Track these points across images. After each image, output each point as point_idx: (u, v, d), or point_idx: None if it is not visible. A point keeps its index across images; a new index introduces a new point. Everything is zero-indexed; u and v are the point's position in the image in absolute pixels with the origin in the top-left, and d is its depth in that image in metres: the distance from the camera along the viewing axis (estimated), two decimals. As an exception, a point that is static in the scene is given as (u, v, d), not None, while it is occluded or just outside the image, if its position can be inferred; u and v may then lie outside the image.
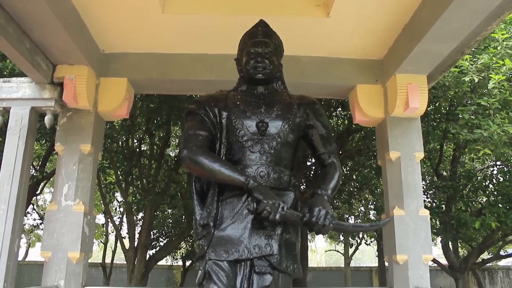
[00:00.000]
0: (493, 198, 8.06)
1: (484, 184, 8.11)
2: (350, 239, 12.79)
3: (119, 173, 7.68)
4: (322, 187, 2.76)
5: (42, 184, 11.03)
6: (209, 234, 2.63)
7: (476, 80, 5.81)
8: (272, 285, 2.55)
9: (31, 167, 7.53)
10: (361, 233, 11.46)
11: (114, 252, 13.39)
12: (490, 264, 19.30)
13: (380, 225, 3.13)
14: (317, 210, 2.52)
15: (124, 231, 10.05)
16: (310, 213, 2.53)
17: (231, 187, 2.65)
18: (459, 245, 11.00)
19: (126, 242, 8.27)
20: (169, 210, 10.93)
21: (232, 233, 2.59)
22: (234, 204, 2.65)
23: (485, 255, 11.63)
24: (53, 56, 4.43)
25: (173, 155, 8.90)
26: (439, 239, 9.77)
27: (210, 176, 2.66)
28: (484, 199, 8.46)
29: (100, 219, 15.42)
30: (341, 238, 16.99)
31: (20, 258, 19.47)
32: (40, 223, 13.89)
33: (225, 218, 2.64)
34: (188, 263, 12.27)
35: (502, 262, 21.04)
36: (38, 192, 11.86)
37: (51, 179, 9.06)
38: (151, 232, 9.45)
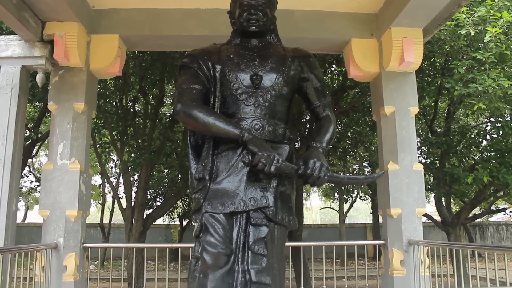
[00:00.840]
0: (486, 154, 8.13)
1: (477, 140, 8.17)
2: (345, 196, 12.97)
3: (114, 133, 7.65)
4: (317, 139, 2.76)
5: (37, 146, 11.01)
6: (204, 187, 2.64)
7: (472, 34, 5.74)
8: (268, 237, 2.58)
9: (25, 128, 7.51)
10: (355, 189, 11.60)
11: (111, 213, 13.53)
12: (481, 220, 19.71)
13: (375, 177, 3.16)
14: (312, 162, 2.53)
15: (121, 191, 10.15)
16: (305, 165, 2.54)
17: (226, 140, 2.65)
18: (452, 201, 11.18)
19: (123, 202, 8.34)
20: (165, 171, 10.99)
21: (227, 186, 2.60)
22: (229, 157, 2.65)
23: (477, 211, 11.84)
24: (41, 12, 4.33)
25: (168, 114, 8.86)
26: (432, 196, 9.91)
27: (205, 130, 2.65)
28: (478, 155, 8.54)
29: (97, 180, 15.51)
30: (336, 195, 17.22)
31: (19, 220, 19.68)
32: (37, 186, 13.95)
33: (221, 171, 2.65)
34: (185, 222, 12.44)
35: (493, 218, 21.49)
36: (34, 154, 11.86)
37: (46, 141, 9.03)
38: (148, 192, 9.53)
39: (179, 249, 5.18)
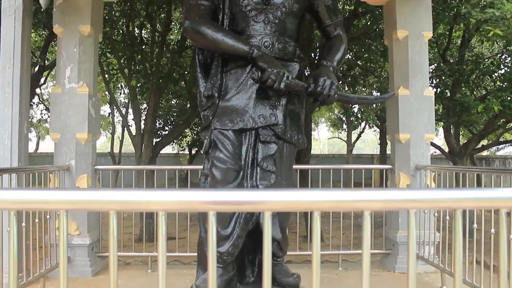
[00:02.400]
0: (499, 83, 7.98)
1: (491, 69, 7.99)
2: (353, 121, 12.90)
3: (121, 61, 7.57)
4: (328, 58, 2.71)
5: (45, 75, 10.98)
6: (213, 104, 2.64)
7: (493, -46, 5.46)
8: (277, 154, 2.61)
9: (32, 56, 7.44)
10: (363, 119, 11.57)
11: (121, 141, 13.71)
12: (488, 153, 19.76)
13: (385, 98, 3.13)
14: (322, 80, 2.50)
15: (130, 120, 10.21)
16: (315, 83, 2.51)
17: (235, 57, 2.61)
18: (461, 132, 11.15)
19: (133, 130, 8.41)
20: (174, 100, 11.00)
21: (237, 103, 2.59)
22: (239, 74, 2.63)
23: (485, 143, 11.83)
24: None
25: (176, 40, 8.71)
26: (441, 127, 9.87)
27: (213, 46, 2.61)
28: (490, 85, 8.38)
29: (106, 110, 15.61)
30: (344, 126, 17.25)
31: (31, 150, 20.08)
32: (48, 117, 14.04)
33: (230, 89, 2.63)
34: (194, 151, 12.60)
35: (500, 152, 21.54)
36: (42, 83, 11.85)
37: (54, 70, 8.99)
38: (157, 121, 9.58)
39: (188, 176, 5.30)
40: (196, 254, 2.91)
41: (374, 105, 10.35)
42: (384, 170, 4.87)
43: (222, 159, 2.51)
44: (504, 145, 18.29)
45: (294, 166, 2.96)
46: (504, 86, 7.63)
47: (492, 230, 3.25)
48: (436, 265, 4.10)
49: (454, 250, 1.16)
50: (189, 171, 6.35)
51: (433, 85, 8.53)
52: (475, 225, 3.54)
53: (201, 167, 2.83)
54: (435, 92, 7.98)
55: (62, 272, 1.08)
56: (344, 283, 4.16)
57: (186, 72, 7.75)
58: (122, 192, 1.03)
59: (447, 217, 4.07)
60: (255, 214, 2.54)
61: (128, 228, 7.05)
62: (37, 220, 3.88)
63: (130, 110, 10.04)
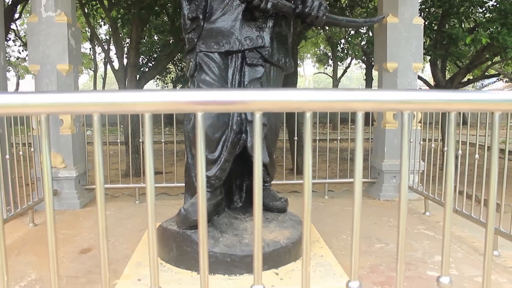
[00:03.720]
0: (488, 15, 7.86)
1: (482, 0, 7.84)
2: (338, 62, 12.82)
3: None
4: (316, -21, 2.60)
5: (20, 9, 10.52)
6: (198, 27, 2.54)
7: None
8: (264, 77, 2.55)
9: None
10: (350, 53, 11.43)
11: (104, 79, 13.45)
12: (473, 88, 19.84)
13: (374, 21, 3.05)
14: (310, 1, 2.40)
15: (112, 56, 9.94)
16: (303, 3, 2.42)
17: (219, -24, 2.48)
18: (447, 66, 11.11)
19: (116, 65, 8.20)
20: (157, 37, 10.69)
21: (222, 25, 2.50)
22: (224, -6, 2.51)
23: (470, 77, 11.83)
24: None
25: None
26: (427, 65, 9.80)
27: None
28: (480, 17, 8.25)
29: (87, 47, 15.16)
30: (330, 62, 17.07)
31: (11, 90, 19.63)
32: (26, 55, 13.59)
33: (215, 10, 2.52)
34: (178, 86, 12.43)
35: (485, 89, 21.67)
36: (17, 18, 11.38)
37: (29, 2, 8.58)
38: (140, 58, 9.34)
39: (174, 114, 5.23)
40: (183, 184, 2.91)
41: (360, 39, 10.21)
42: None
43: (207, 81, 2.45)
44: (489, 81, 18.37)
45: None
46: (493, 17, 7.52)
47: (476, 156, 3.30)
48: (420, 192, 4.18)
49: (447, 155, 1.15)
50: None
51: (421, 17, 8.38)
52: (460, 152, 3.59)
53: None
54: (423, 24, 7.86)
55: (46, 182, 1.04)
56: (330, 210, 4.25)
57: (168, 4, 7.46)
58: (106, 93, 0.98)
59: (432, 145, 4.12)
60: (242, 138, 2.52)
61: (115, 165, 7.05)
62: (21, 152, 3.82)
63: (113, 47, 9.76)
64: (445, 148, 3.86)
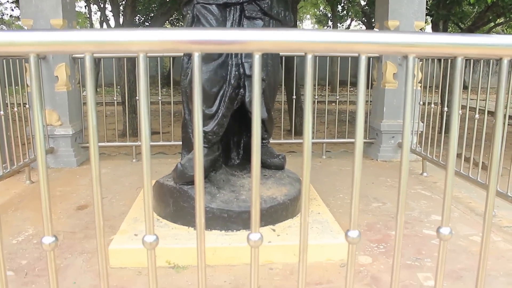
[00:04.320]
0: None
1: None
2: (338, 24, 12.62)
3: None
4: None
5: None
6: (195, -23, 2.45)
7: None
8: (263, 31, 2.48)
9: None
10: (349, 16, 11.22)
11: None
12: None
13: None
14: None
15: (108, 14, 9.71)
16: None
17: None
18: (449, 27, 10.94)
19: (112, 24, 8.03)
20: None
21: (220, -25, 2.41)
22: None
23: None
24: None
25: None
26: (428, 27, 9.63)
27: None
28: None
29: (82, 6, 14.84)
30: (330, 23, 16.78)
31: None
32: (19, 14, 13.30)
33: (212, -42, 2.43)
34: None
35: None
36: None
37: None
38: (136, 16, 9.14)
39: (171, 75, 5.17)
40: (180, 143, 2.88)
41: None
42: (371, 60, 4.77)
43: (205, 34, 2.37)
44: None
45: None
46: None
47: (477, 116, 3.27)
48: (418, 153, 4.17)
49: (452, 103, 1.12)
50: (171, 68, 6.18)
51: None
52: (459, 112, 3.55)
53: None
54: (426, -16, 7.68)
55: (36, 123, 1.00)
56: (327, 169, 4.24)
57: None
58: (99, 32, 0.93)
59: (432, 105, 4.08)
60: (240, 93, 2.48)
61: (112, 125, 7.00)
62: (15, 108, 3.77)
63: (108, 5, 9.53)
64: (445, 109, 3.81)
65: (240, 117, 2.68)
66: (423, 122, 4.36)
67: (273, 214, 2.42)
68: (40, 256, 2.43)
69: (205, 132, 2.42)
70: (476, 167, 3.31)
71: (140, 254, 2.19)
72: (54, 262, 1.08)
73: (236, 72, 2.43)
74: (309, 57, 0.97)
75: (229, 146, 2.88)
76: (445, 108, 4.16)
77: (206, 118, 2.43)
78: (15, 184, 3.77)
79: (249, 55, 2.44)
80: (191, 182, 2.39)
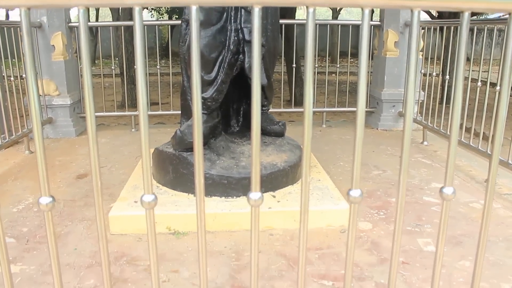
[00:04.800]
0: None
1: None
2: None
3: None
4: None
5: None
6: None
7: None
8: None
9: None
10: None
11: (97, 11, 13.03)
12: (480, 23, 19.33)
13: None
14: None
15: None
16: None
17: None
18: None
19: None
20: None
21: None
22: None
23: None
24: None
25: None
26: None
27: None
28: None
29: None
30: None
31: (1, 18, 19.13)
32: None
33: None
34: (174, 18, 12.08)
35: (490, 24, 21.12)
36: None
37: None
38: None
39: (169, 46, 5.11)
40: (179, 112, 2.85)
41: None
42: (372, 28, 4.70)
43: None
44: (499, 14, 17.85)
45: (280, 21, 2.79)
46: None
47: (479, 83, 3.23)
48: (419, 122, 4.14)
49: (457, 61, 1.08)
50: (170, 39, 6.10)
51: None
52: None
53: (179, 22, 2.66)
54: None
55: (30, 81, 0.97)
56: (327, 138, 4.23)
57: None
58: (90, -16, 0.90)
59: (434, 73, 4.04)
60: (239, 59, 2.43)
61: (110, 96, 6.95)
62: (12, 78, 3.73)
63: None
64: (447, 77, 3.77)
65: (239, 84, 2.64)
66: (424, 91, 4.32)
67: (273, 180, 2.42)
68: (40, 223, 2.43)
69: (204, 99, 2.39)
70: (476, 138, 3.30)
71: (140, 221, 2.20)
72: (52, 222, 1.07)
73: (235, 38, 2.38)
74: (311, 11, 0.93)
75: (229, 114, 2.86)
76: (447, 77, 4.13)
77: (205, 84, 2.39)
78: (14, 154, 3.76)
79: (249, 20, 2.38)
80: (190, 148, 2.37)
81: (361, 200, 1.06)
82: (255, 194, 1.03)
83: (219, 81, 2.41)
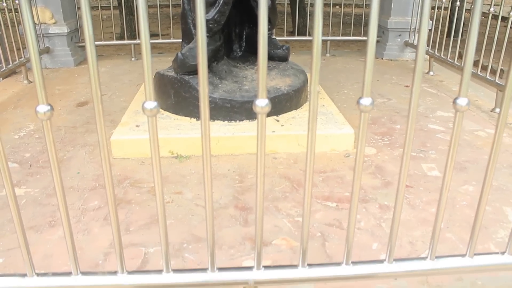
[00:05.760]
0: None
1: None
2: None
3: None
4: None
5: None
6: None
7: None
8: None
9: None
10: None
11: None
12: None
13: None
14: None
15: None
16: None
17: None
18: None
19: None
20: None
21: None
22: None
23: None
24: None
25: None
26: None
27: None
28: None
29: None
30: None
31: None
32: None
33: None
34: None
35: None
36: None
37: None
38: None
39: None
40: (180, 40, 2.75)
41: None
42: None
43: None
44: None
45: None
46: None
47: (492, 9, 3.11)
48: (425, 51, 4.03)
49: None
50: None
51: None
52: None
53: None
54: None
55: (26, 27, 0.90)
56: (332, 67, 4.14)
57: None
58: None
59: (442, 9, 3.89)
60: None
61: (109, 28, 6.77)
62: (4, 4, 3.60)
63: None
64: (457, 3, 3.63)
65: (241, 7, 2.54)
66: (431, 21, 4.18)
67: (277, 104, 2.37)
68: (43, 149, 2.41)
69: (205, 20, 2.29)
70: (484, 71, 3.22)
71: (143, 145, 2.18)
72: (52, 132, 1.04)
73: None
74: None
75: (231, 38, 2.76)
76: (457, 3, 3.97)
77: (207, 5, 2.29)
78: (13, 84, 3.70)
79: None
80: (192, 72, 2.31)
81: (371, 109, 1.02)
82: (261, 100, 0.99)
83: (221, 2, 2.30)
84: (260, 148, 1.05)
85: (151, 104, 1.01)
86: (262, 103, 0.99)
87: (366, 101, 1.03)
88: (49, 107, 1.00)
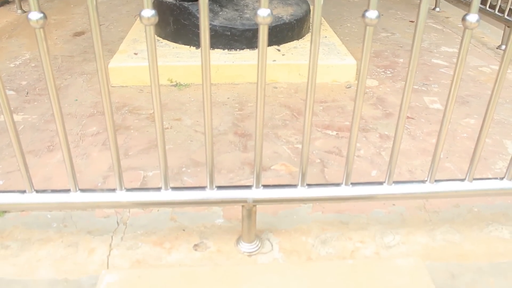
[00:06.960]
0: None
1: None
2: None
3: None
4: None
5: None
6: None
7: None
8: None
9: None
10: None
11: None
12: None
13: None
14: None
15: None
16: None
17: None
18: None
19: None
20: None
21: None
22: None
23: None
24: None
25: None
26: None
27: None
28: None
29: None
30: None
31: None
32: None
33: None
34: None
35: None
36: None
37: None
38: None
39: None
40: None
41: None
42: None
43: None
44: None
45: None
46: None
47: None
48: (432, -14, 3.90)
49: None
50: None
51: None
52: None
53: None
54: None
55: None
56: (334, 1, 4.01)
57: None
58: None
59: None
60: None
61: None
62: None
63: None
64: None
65: None
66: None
67: (278, 33, 2.30)
68: (39, 77, 2.37)
69: None
70: (492, 9, 3.12)
71: (141, 72, 2.14)
72: (46, 42, 1.00)
73: None
74: None
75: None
76: None
77: None
78: (6, 14, 3.59)
79: None
80: (191, -1, 2.23)
81: (377, 22, 0.98)
82: (263, 10, 0.96)
83: None
84: (261, 62, 1.02)
85: (148, 12, 0.97)
86: (264, 13, 0.96)
87: (371, 14, 0.99)
88: (41, 15, 0.96)
